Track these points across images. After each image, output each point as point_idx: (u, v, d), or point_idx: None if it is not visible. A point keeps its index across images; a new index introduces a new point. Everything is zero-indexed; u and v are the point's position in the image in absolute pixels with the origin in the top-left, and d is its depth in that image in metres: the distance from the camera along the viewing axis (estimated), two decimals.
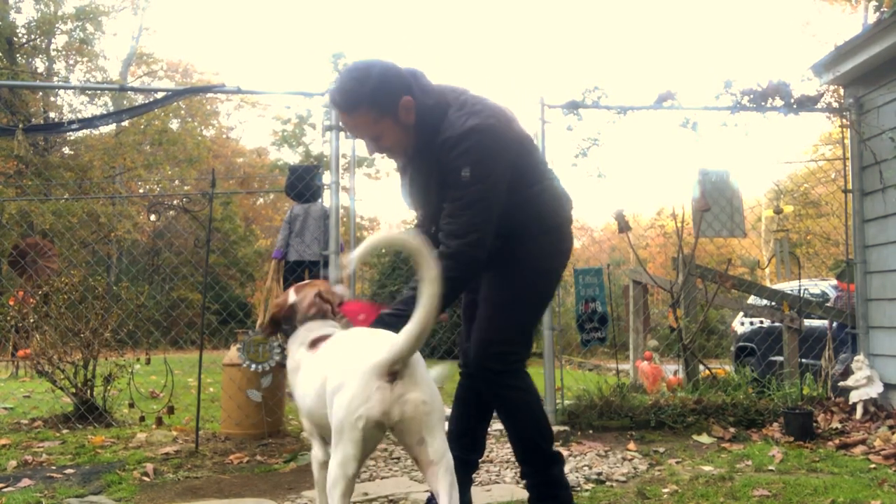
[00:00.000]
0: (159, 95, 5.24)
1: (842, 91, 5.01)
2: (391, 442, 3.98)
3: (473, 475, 2.54)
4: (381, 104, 2.06)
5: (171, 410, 4.42)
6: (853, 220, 4.75)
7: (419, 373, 1.73)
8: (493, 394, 2.28)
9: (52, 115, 17.95)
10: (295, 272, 6.18)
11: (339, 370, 1.76)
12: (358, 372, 1.69)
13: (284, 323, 2.19)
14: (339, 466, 1.69)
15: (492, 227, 2.11)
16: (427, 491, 2.84)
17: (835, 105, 4.92)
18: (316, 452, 2.06)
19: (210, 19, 42.67)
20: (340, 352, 1.86)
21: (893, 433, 3.71)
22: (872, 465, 3.20)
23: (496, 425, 4.43)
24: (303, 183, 6.10)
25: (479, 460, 2.52)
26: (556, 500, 2.26)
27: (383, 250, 17.04)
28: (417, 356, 1.76)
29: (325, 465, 1.96)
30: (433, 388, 1.76)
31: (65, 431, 4.20)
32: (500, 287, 2.25)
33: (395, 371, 1.67)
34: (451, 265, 1.98)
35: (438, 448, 1.72)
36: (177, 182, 18.86)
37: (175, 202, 15.03)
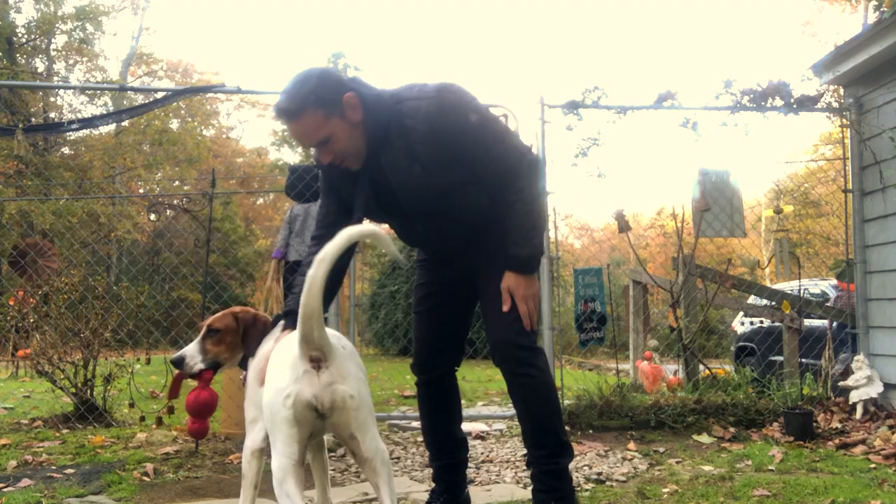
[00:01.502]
0: (159, 95, 5.24)
1: (842, 91, 5.01)
2: (391, 442, 3.98)
3: (473, 475, 2.55)
4: (326, 102, 2.01)
5: (171, 410, 4.42)
6: (853, 220, 4.75)
7: (348, 367, 1.81)
8: (517, 373, 2.22)
9: (52, 115, 17.96)
10: (295, 272, 6.18)
11: (273, 359, 1.91)
12: (287, 357, 1.81)
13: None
14: (280, 455, 1.74)
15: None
16: (427, 490, 2.84)
17: (835, 105, 4.91)
18: (255, 437, 2.11)
19: (210, 19, 42.71)
20: (280, 344, 1.99)
21: (893, 433, 3.71)
22: (872, 465, 3.20)
23: (496, 425, 4.45)
24: (303, 183, 6.09)
25: (468, 455, 2.55)
26: (560, 494, 2.22)
27: (383, 250, 17.09)
28: (347, 353, 1.85)
29: (257, 453, 2.11)
30: (361, 385, 1.84)
31: (65, 431, 4.20)
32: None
33: (316, 358, 1.76)
34: (536, 175, 2.16)
35: (370, 444, 1.82)
36: (177, 182, 18.88)
37: (175, 202, 15.04)
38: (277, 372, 1.82)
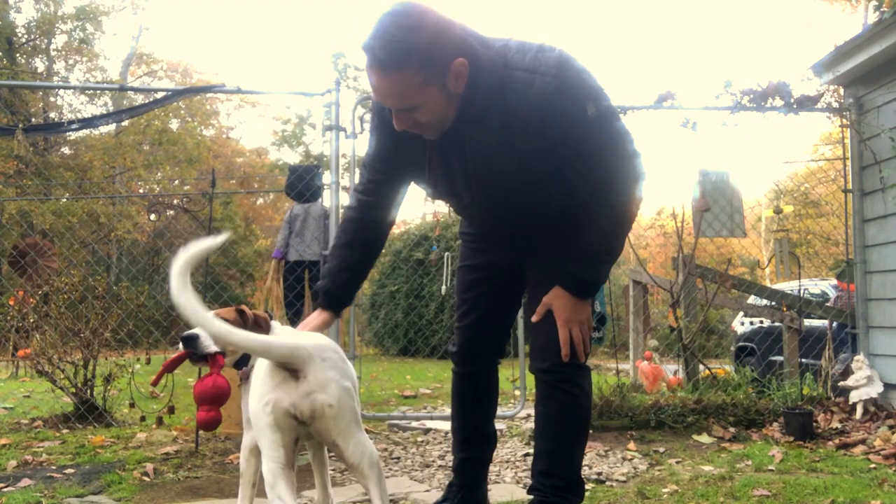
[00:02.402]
0: (159, 95, 5.24)
1: (842, 91, 5.01)
2: (391, 442, 3.98)
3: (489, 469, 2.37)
4: (433, 66, 1.62)
5: (171, 410, 4.42)
6: (853, 220, 4.75)
7: (327, 377, 1.75)
8: (557, 387, 1.96)
9: (52, 115, 17.96)
10: (295, 272, 6.19)
11: (259, 363, 1.87)
12: (265, 366, 1.79)
13: None
14: (268, 459, 1.74)
15: None
16: (427, 490, 2.84)
17: (835, 105, 4.92)
18: (252, 436, 2.10)
19: (210, 19, 42.71)
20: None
21: (893, 433, 3.71)
22: (872, 465, 3.20)
23: (497, 425, 4.44)
24: (303, 183, 6.11)
25: (492, 454, 2.36)
26: None
27: (383, 250, 17.04)
28: (329, 361, 1.79)
29: (254, 451, 2.11)
30: (343, 393, 1.79)
31: (65, 431, 4.20)
32: None
33: (293, 368, 1.74)
34: (635, 193, 1.85)
35: (354, 450, 1.78)
36: (177, 182, 18.87)
37: (175, 202, 15.03)
38: (261, 377, 1.81)
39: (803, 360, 5.39)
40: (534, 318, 1.98)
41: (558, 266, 1.90)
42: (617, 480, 3.03)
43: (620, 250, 1.95)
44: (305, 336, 1.93)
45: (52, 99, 18.64)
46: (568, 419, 1.97)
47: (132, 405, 4.59)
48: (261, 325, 2.16)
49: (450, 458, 3.11)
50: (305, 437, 1.88)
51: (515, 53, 1.73)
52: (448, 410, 2.40)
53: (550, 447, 1.98)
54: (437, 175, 1.90)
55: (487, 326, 2.21)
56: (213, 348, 2.05)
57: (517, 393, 4.94)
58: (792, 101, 4.61)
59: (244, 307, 2.23)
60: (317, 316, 2.07)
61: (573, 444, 1.99)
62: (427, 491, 2.84)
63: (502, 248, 2.12)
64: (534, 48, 1.73)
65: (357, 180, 2.35)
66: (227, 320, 1.97)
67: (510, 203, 1.92)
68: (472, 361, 2.26)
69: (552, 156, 1.79)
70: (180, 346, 2.07)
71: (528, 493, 2.05)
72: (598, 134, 1.76)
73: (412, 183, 2.07)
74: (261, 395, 1.77)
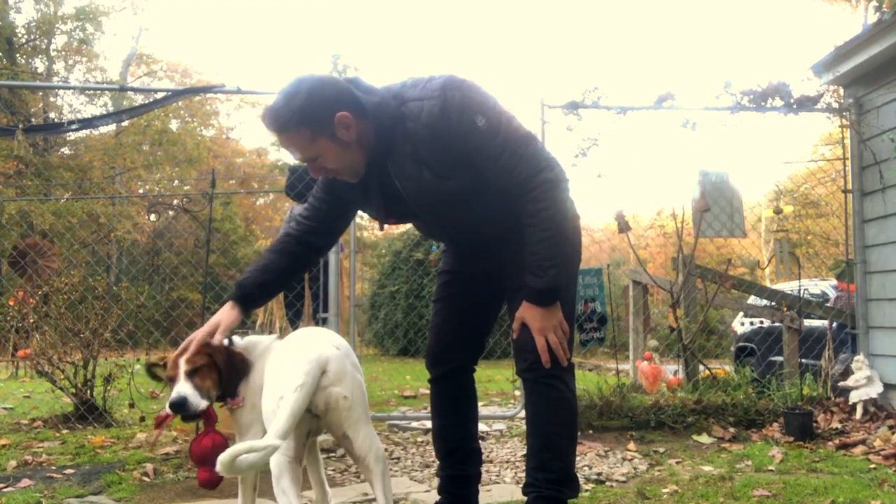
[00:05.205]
0: (159, 95, 5.24)
1: (842, 91, 5.01)
2: (391, 442, 3.98)
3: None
4: (312, 122, 1.85)
5: None
6: (853, 220, 4.75)
7: (345, 368, 1.83)
8: (541, 383, 2.01)
9: (52, 115, 17.97)
10: None
11: (273, 360, 1.92)
12: (280, 364, 1.85)
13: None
14: (278, 452, 1.74)
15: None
16: (427, 491, 2.84)
17: (835, 105, 4.91)
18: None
19: (209, 19, 42.68)
20: (283, 349, 1.98)
21: (893, 433, 3.71)
22: (872, 465, 3.20)
23: (496, 425, 4.45)
24: (303, 183, 6.08)
25: (481, 470, 2.32)
26: None
27: (383, 251, 17.09)
28: (344, 353, 1.88)
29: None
30: (356, 385, 1.85)
31: (65, 431, 4.20)
32: None
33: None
34: (554, 197, 1.90)
35: (363, 443, 1.84)
36: (177, 182, 18.88)
37: (175, 202, 15.03)
38: (275, 373, 1.84)
39: (803, 360, 5.39)
40: (513, 335, 2.06)
41: (522, 280, 1.99)
42: (617, 481, 3.03)
43: (569, 254, 2.01)
44: (315, 335, 1.94)
45: (52, 99, 18.65)
46: (555, 414, 2.03)
47: (132, 405, 4.59)
48: (236, 366, 2.06)
49: None
50: (315, 431, 1.90)
51: (409, 89, 1.94)
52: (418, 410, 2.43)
53: (541, 441, 2.04)
54: (379, 200, 2.06)
55: (456, 328, 2.26)
56: (204, 404, 1.97)
57: (517, 393, 4.94)
58: (792, 101, 4.61)
59: (219, 347, 2.06)
60: (228, 311, 2.10)
61: (563, 438, 2.05)
62: (427, 491, 2.84)
63: (474, 262, 2.22)
64: (423, 80, 1.93)
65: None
66: (197, 366, 1.97)
67: (455, 215, 2.04)
68: (440, 363, 2.30)
69: (465, 165, 1.92)
70: (167, 409, 1.97)
71: (524, 490, 2.06)
72: (493, 141, 1.89)
73: (359, 210, 2.27)
74: (277, 391, 1.77)
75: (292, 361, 1.80)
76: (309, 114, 1.85)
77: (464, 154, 1.90)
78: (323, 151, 1.90)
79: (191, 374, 1.99)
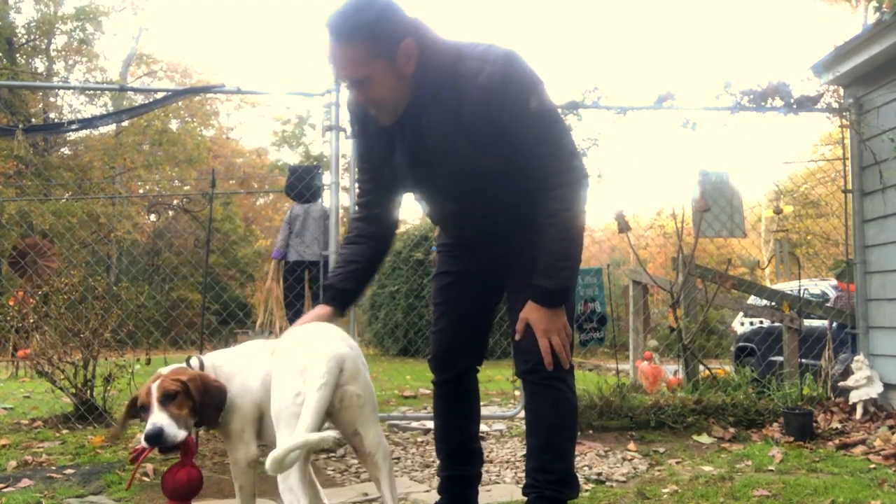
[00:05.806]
0: (159, 95, 5.24)
1: (842, 91, 5.01)
2: (391, 442, 3.98)
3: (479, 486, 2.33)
4: (380, 39, 1.75)
5: None
6: (853, 220, 4.75)
7: (357, 367, 1.83)
8: (542, 384, 2.00)
9: (52, 115, 17.98)
10: (295, 272, 6.19)
11: (281, 357, 1.86)
12: (292, 362, 1.80)
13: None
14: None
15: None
16: (427, 491, 2.84)
17: (835, 105, 4.91)
18: (250, 449, 2.05)
19: (209, 20, 42.70)
20: (293, 342, 1.92)
21: (893, 433, 3.71)
22: (872, 465, 3.20)
23: (496, 425, 4.45)
24: (303, 183, 6.10)
25: (482, 471, 2.31)
26: None
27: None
28: (356, 351, 1.88)
29: (253, 463, 2.06)
30: (368, 382, 1.86)
31: (65, 431, 4.19)
32: None
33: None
34: (578, 199, 1.88)
35: (373, 439, 1.84)
36: (177, 182, 18.88)
37: (175, 202, 15.03)
38: (287, 371, 1.82)
39: (803, 360, 5.39)
40: (516, 336, 2.02)
41: (528, 279, 1.96)
42: (617, 481, 3.03)
43: (578, 257, 1.98)
44: (326, 332, 1.91)
45: (52, 99, 18.66)
46: (556, 414, 2.00)
47: None
48: (211, 394, 1.97)
49: None
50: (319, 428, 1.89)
51: (467, 46, 1.87)
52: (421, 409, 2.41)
53: (542, 442, 2.01)
54: (403, 164, 1.97)
55: (460, 332, 2.23)
56: (182, 435, 1.88)
57: (517, 393, 4.93)
58: (792, 101, 4.61)
59: (192, 374, 1.98)
60: (318, 309, 2.07)
61: (563, 438, 2.03)
62: (427, 491, 2.84)
63: (474, 256, 2.18)
64: (485, 44, 1.88)
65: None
66: (170, 391, 1.89)
67: (472, 192, 1.97)
68: (447, 367, 2.26)
69: (503, 142, 1.86)
70: (143, 442, 1.87)
71: (524, 491, 2.05)
72: (538, 128, 1.87)
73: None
74: (290, 388, 1.76)
75: (310, 359, 1.77)
76: (378, 30, 1.76)
77: (507, 130, 1.85)
78: (376, 74, 1.79)
79: (164, 402, 1.88)
